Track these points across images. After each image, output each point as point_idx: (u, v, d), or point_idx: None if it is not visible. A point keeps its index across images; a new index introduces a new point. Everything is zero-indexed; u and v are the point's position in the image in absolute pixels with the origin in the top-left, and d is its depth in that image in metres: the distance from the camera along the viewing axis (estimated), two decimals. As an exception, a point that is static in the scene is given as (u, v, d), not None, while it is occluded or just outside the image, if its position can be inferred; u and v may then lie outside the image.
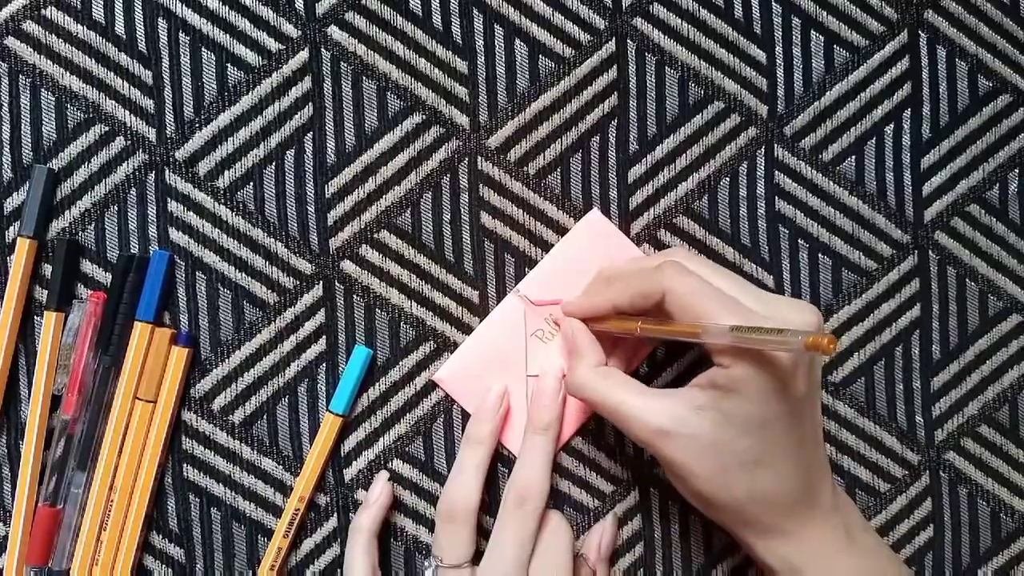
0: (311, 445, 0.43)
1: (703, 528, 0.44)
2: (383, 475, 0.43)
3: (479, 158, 0.43)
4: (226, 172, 0.43)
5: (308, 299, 0.43)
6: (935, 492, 0.45)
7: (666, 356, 0.44)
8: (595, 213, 0.43)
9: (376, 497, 0.42)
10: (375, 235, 0.43)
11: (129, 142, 0.42)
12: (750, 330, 0.32)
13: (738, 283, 0.37)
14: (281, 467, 0.43)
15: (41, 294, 0.42)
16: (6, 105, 0.42)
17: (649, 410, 0.36)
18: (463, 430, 0.43)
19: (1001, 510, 0.45)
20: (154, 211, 0.43)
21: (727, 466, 0.36)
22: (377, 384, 0.43)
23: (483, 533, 0.43)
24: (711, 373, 0.35)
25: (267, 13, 0.42)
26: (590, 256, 0.43)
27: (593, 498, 0.44)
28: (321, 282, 0.43)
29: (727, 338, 0.33)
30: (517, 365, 0.43)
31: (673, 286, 0.36)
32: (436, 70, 0.43)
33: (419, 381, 0.43)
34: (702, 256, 0.41)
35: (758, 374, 0.34)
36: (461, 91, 0.43)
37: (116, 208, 0.43)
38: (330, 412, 0.43)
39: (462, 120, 0.43)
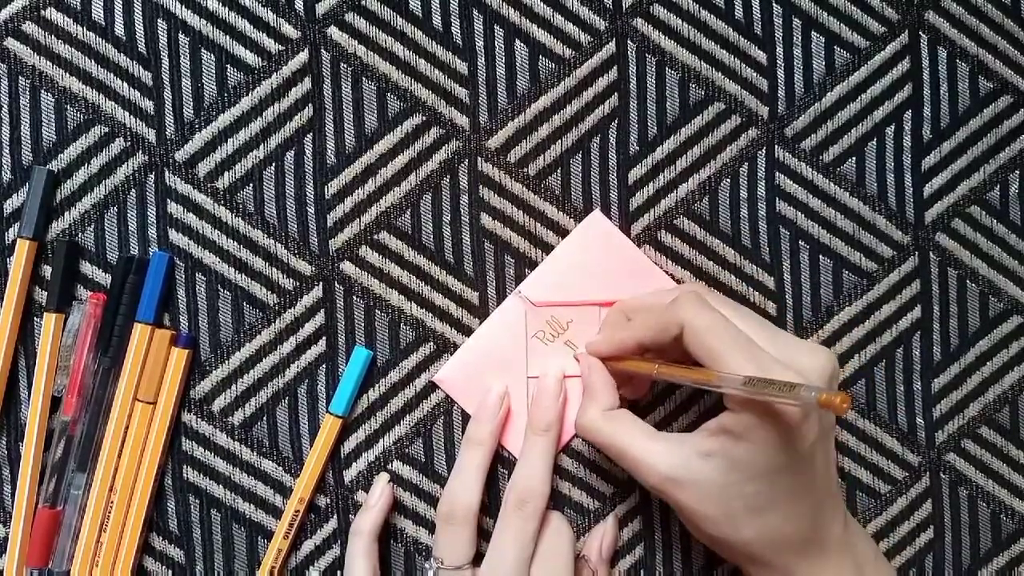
0: (311, 446, 0.43)
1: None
2: (383, 477, 0.43)
3: (479, 159, 0.43)
4: (226, 173, 0.43)
5: (308, 300, 0.43)
6: (935, 494, 0.45)
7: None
8: (597, 214, 0.43)
9: (376, 499, 0.42)
10: (375, 236, 0.43)
11: (129, 143, 0.42)
12: (763, 383, 0.32)
13: (755, 321, 0.37)
14: (281, 468, 0.43)
15: (41, 295, 0.42)
16: (6, 106, 0.42)
17: (657, 456, 0.36)
18: (463, 431, 0.43)
19: (1001, 511, 0.45)
20: (154, 212, 0.43)
21: (735, 510, 0.35)
22: (377, 385, 0.43)
23: (484, 535, 0.42)
24: (722, 418, 0.35)
25: (267, 14, 0.42)
26: (592, 257, 0.43)
27: (593, 499, 0.44)
28: (321, 283, 0.43)
29: (740, 389, 0.32)
30: (518, 366, 0.43)
31: (691, 320, 0.35)
32: (436, 71, 0.43)
33: (419, 382, 0.43)
34: (718, 292, 0.40)
35: (767, 422, 0.34)
36: (461, 92, 0.43)
37: (116, 209, 0.43)
38: (330, 413, 0.43)
39: (462, 121, 0.43)
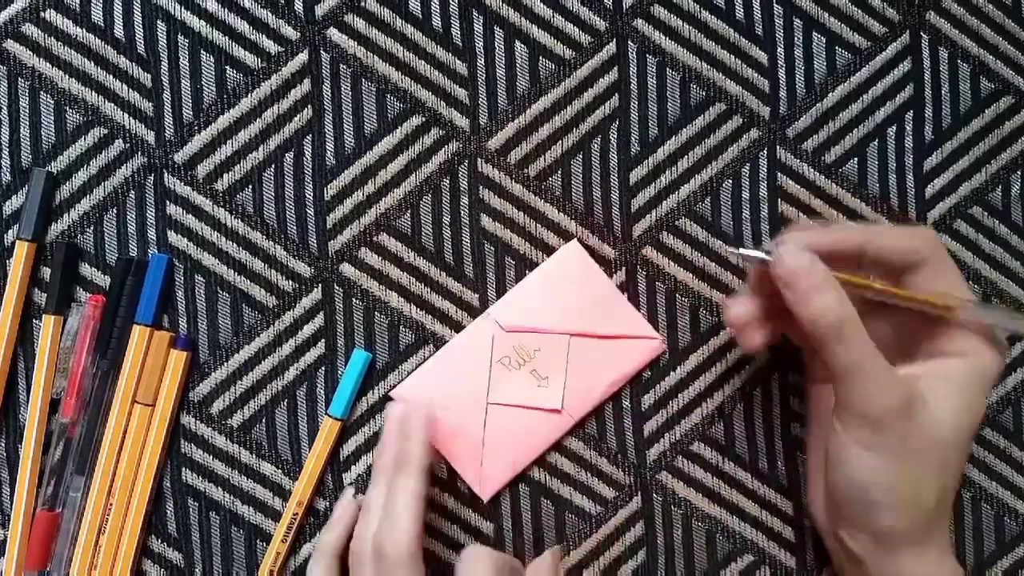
0: (310, 449, 0.43)
1: (706, 534, 0.44)
2: (347, 492, 0.43)
3: (479, 160, 0.43)
4: (225, 175, 0.43)
5: (307, 302, 0.43)
6: (939, 496, 0.44)
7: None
8: (574, 244, 0.43)
9: (339, 516, 0.41)
10: (374, 238, 0.43)
11: (128, 145, 0.42)
12: (1007, 313, 0.36)
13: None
14: (280, 471, 0.43)
15: (40, 297, 0.42)
16: (5, 108, 0.42)
17: (903, 379, 0.35)
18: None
19: (1005, 514, 0.45)
20: (153, 214, 0.43)
21: (950, 461, 0.36)
22: (376, 388, 0.43)
23: (473, 531, 0.42)
24: (942, 342, 0.36)
25: (266, 15, 0.42)
26: (566, 286, 0.43)
27: (595, 504, 0.44)
28: (320, 285, 0.43)
29: (984, 317, 0.36)
30: (478, 390, 0.43)
31: (939, 260, 0.36)
32: (436, 72, 0.43)
33: (419, 384, 0.43)
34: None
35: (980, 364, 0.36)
36: (461, 93, 0.43)
37: (115, 211, 0.42)
38: (329, 416, 0.42)
39: (462, 122, 0.43)
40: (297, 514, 0.42)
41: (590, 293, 0.43)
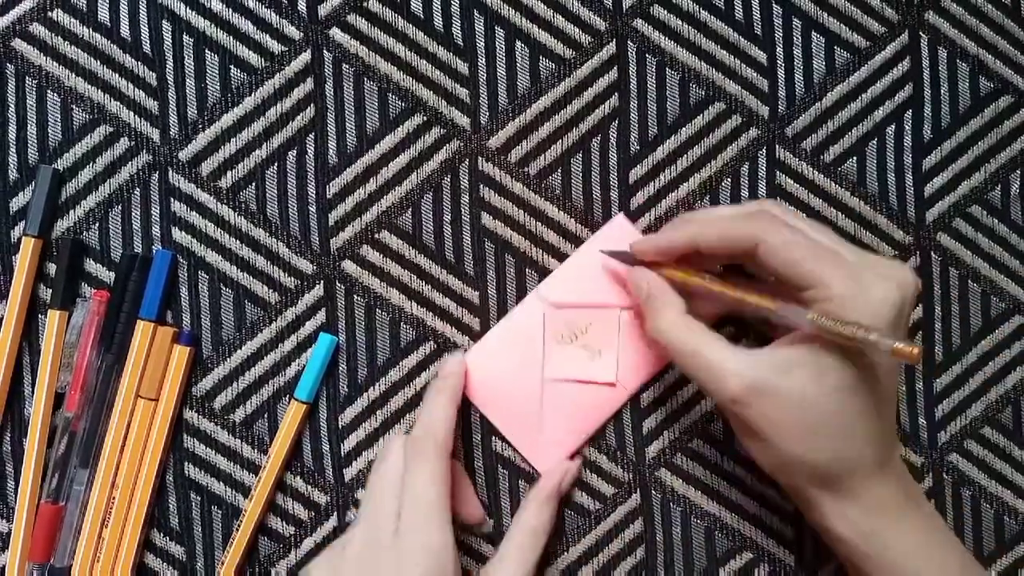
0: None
1: (705, 531, 0.44)
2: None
3: (480, 159, 0.44)
4: (229, 172, 0.43)
5: (309, 299, 0.43)
6: (939, 494, 0.44)
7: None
8: (620, 218, 0.43)
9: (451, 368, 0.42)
10: (376, 235, 0.43)
11: (133, 143, 0.43)
12: (833, 322, 0.32)
13: (834, 239, 0.36)
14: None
15: (45, 293, 0.43)
16: (12, 106, 0.43)
17: (742, 364, 0.35)
18: (464, 429, 0.43)
19: (1005, 512, 0.45)
20: (157, 211, 0.43)
21: (817, 426, 0.35)
22: (377, 384, 0.43)
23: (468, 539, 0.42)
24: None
25: (270, 15, 0.43)
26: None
27: (594, 500, 0.44)
28: (322, 282, 0.43)
29: (804, 324, 0.33)
30: (533, 367, 0.43)
31: (769, 236, 0.35)
32: (437, 71, 0.43)
33: (419, 382, 0.43)
34: (794, 209, 0.39)
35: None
36: (462, 92, 0.43)
37: (120, 208, 0.43)
38: (295, 399, 0.43)
39: (463, 121, 0.43)
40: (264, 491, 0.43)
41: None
